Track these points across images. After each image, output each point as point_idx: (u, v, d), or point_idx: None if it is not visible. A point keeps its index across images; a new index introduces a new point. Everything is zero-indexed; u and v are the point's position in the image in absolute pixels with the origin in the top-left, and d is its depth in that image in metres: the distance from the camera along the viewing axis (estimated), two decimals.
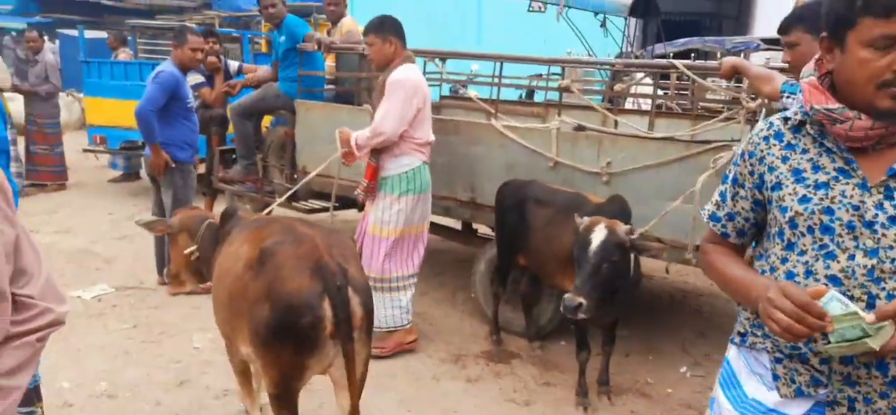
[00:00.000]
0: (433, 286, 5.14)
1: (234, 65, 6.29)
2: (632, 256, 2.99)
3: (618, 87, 4.22)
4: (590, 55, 8.62)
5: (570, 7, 7.72)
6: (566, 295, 2.77)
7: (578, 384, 3.45)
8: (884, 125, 1.30)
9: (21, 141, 7.79)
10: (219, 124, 5.87)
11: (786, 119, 1.48)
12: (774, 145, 1.47)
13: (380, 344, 3.81)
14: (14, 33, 17.83)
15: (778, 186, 1.44)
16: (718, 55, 9.51)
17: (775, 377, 1.46)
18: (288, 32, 5.21)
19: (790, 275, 1.42)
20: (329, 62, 5.72)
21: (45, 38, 8.22)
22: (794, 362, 1.42)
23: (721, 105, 5.14)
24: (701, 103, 5.51)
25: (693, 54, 9.26)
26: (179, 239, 3.08)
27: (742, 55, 9.42)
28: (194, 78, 5.62)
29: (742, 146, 1.57)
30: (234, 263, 2.49)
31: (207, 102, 5.78)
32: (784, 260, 1.44)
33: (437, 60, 4.80)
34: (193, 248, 2.99)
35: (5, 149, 2.44)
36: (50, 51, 8.12)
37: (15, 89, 7.96)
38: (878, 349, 1.20)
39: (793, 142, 1.45)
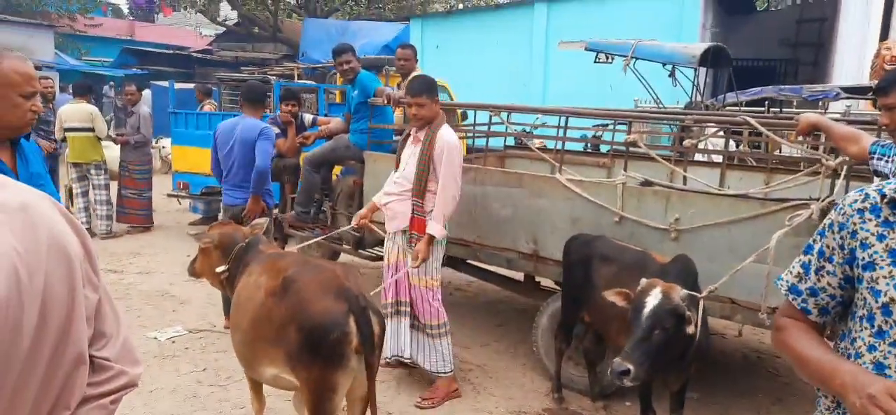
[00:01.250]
0: (494, 337, 5.11)
1: (308, 118, 6.58)
2: (696, 320, 2.88)
3: (687, 142, 4.13)
4: (657, 104, 8.50)
5: (637, 58, 7.67)
6: (615, 360, 2.70)
7: None
8: None
9: (113, 185, 8.38)
10: (291, 173, 6.13)
11: (883, 194, 1.38)
12: (870, 220, 1.38)
13: (430, 395, 4.02)
14: (113, 82, 19.29)
15: (871, 265, 1.36)
16: (794, 104, 9.19)
17: None
18: (360, 87, 5.42)
19: (879, 366, 1.33)
20: (398, 114, 5.90)
21: (142, 91, 8.87)
22: None
23: (798, 158, 4.95)
24: (775, 157, 5.32)
25: (767, 103, 8.97)
26: (213, 254, 3.30)
27: (820, 104, 9.07)
28: None
29: (831, 217, 1.48)
30: (254, 292, 2.80)
31: (282, 152, 6.05)
32: (872, 348, 1.35)
33: (502, 114, 4.85)
34: (224, 267, 3.19)
35: (40, 184, 2.35)
36: (145, 103, 8.75)
37: (110, 139, 8.61)
38: None
39: (891, 219, 1.35)
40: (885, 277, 1.32)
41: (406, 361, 4.13)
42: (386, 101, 5.17)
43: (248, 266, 3.12)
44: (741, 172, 5.24)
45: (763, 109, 8.57)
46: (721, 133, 6.21)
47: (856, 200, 1.42)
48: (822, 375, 1.37)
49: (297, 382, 2.63)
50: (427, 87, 4.01)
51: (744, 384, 4.43)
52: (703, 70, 9.32)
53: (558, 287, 4.38)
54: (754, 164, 5.58)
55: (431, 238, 3.94)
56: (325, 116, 7.86)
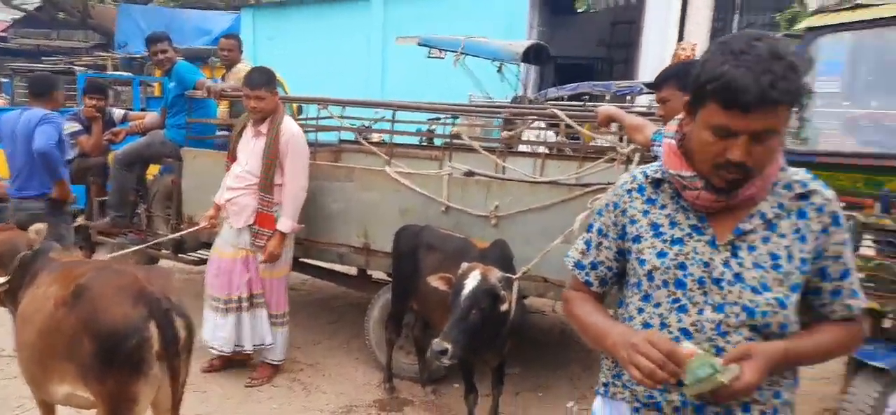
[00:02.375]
0: (327, 334, 5.05)
1: (118, 113, 6.00)
2: (511, 299, 3.05)
3: (504, 133, 4.36)
4: (487, 98, 8.89)
5: (466, 54, 7.96)
6: (434, 341, 2.80)
7: None
8: (724, 199, 1.39)
9: None
10: (97, 174, 5.55)
11: (647, 175, 1.54)
12: (637, 199, 1.53)
13: (258, 375, 4.20)
14: None
15: (638, 238, 1.51)
16: (607, 98, 10.07)
17: None
18: (177, 78, 5.07)
19: (646, 326, 1.48)
20: (223, 108, 5.59)
21: None
22: (651, 411, 1.47)
23: (605, 147, 5.42)
24: (589, 147, 5.79)
25: (586, 97, 9.75)
26: None
27: (628, 98, 10.03)
28: (71, 126, 5.33)
29: (607, 197, 1.62)
30: (43, 304, 2.54)
31: (85, 151, 5.47)
32: (641, 311, 1.50)
33: (329, 108, 4.79)
34: (3, 280, 2.85)
35: None
36: None
37: None
38: (727, 382, 1.28)
39: (653, 196, 1.51)
40: (648, 248, 1.48)
41: (247, 352, 4.13)
42: (206, 94, 4.88)
43: (36, 277, 2.77)
44: (560, 161, 5.63)
45: (582, 103, 9.31)
46: (543, 125, 6.64)
47: (626, 182, 1.58)
48: (598, 337, 1.51)
49: (93, 397, 2.40)
50: (267, 80, 3.97)
51: (561, 357, 4.78)
52: (528, 67, 9.89)
53: (390, 279, 4.42)
54: (571, 153, 6.03)
55: (282, 234, 3.97)
56: (142, 110, 7.25)
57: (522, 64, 9.41)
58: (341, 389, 4.12)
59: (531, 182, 4.06)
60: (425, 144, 6.88)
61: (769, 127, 1.27)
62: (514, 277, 3.10)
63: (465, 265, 3.07)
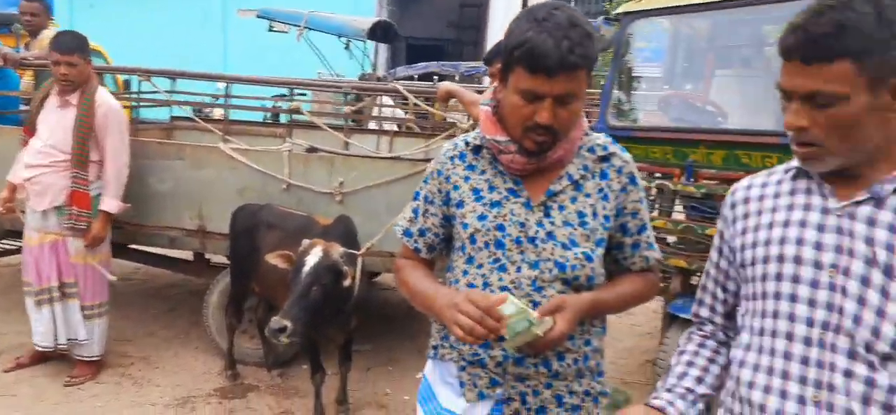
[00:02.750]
0: (162, 325, 4.70)
1: None
2: (354, 275, 3.02)
3: (346, 108, 4.28)
4: (333, 75, 8.72)
5: (309, 29, 7.72)
6: (272, 319, 2.71)
7: (314, 408, 3.40)
8: (535, 161, 1.45)
9: None
10: None
11: (467, 142, 1.58)
12: (458, 165, 1.56)
13: (79, 373, 3.80)
14: None
15: (461, 203, 1.54)
16: (456, 78, 10.32)
17: (461, 384, 1.55)
18: None
19: (471, 287, 1.51)
20: (26, 79, 4.95)
21: None
22: (476, 368, 1.53)
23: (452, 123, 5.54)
24: (439, 124, 5.88)
25: (435, 77, 9.90)
26: None
27: (476, 78, 10.35)
28: None
29: (432, 165, 1.63)
30: None
31: None
32: (465, 273, 1.54)
33: (153, 81, 4.41)
34: None
35: None
36: None
37: None
38: (542, 334, 1.34)
39: (474, 163, 1.55)
40: (470, 212, 1.52)
41: (63, 348, 3.74)
42: (2, 63, 4.28)
43: None
44: (408, 138, 5.66)
45: (431, 82, 9.45)
46: (390, 102, 6.63)
47: (448, 150, 1.61)
48: (426, 302, 1.54)
49: None
50: (79, 45, 3.58)
51: (410, 329, 4.84)
52: (380, 45, 9.83)
53: (229, 262, 4.20)
54: (418, 130, 6.08)
55: (107, 215, 3.64)
56: None
57: (371, 42, 9.33)
58: (178, 380, 3.86)
59: (375, 158, 4.04)
60: (269, 121, 6.61)
61: (570, 90, 1.36)
62: (357, 252, 3.07)
63: (305, 242, 2.99)
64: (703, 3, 3.48)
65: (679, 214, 3.82)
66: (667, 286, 3.60)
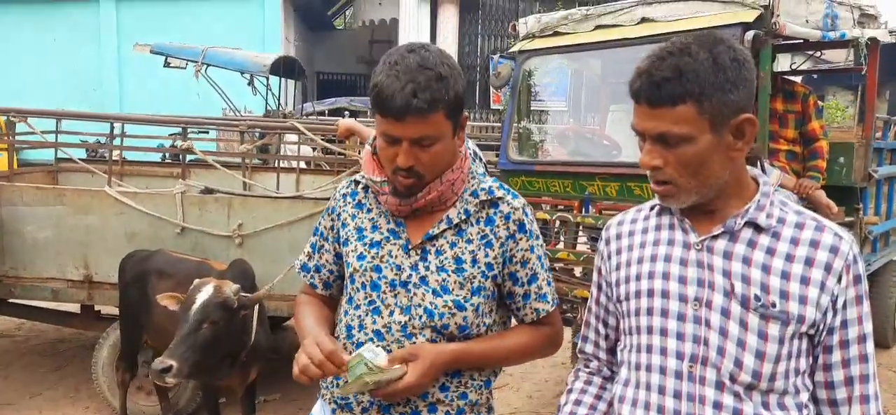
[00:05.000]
0: (48, 385, 4.33)
1: None
2: (252, 318, 2.90)
3: (242, 147, 4.16)
4: (236, 113, 8.49)
5: (208, 65, 7.50)
6: (156, 359, 2.56)
7: None
8: (407, 203, 1.43)
9: None
10: None
11: (357, 181, 1.56)
12: (349, 203, 1.54)
13: None
14: None
15: (346, 241, 1.51)
16: (368, 114, 10.31)
17: None
18: None
19: (349, 328, 1.48)
20: None
21: None
22: (345, 412, 1.48)
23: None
24: (349, 161, 5.79)
25: (346, 112, 9.84)
26: None
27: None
28: None
29: (329, 203, 1.61)
30: None
31: None
32: (346, 313, 1.50)
33: (30, 122, 4.13)
34: None
35: None
36: None
37: None
38: (372, 383, 1.32)
39: (362, 201, 1.53)
40: (352, 251, 1.49)
41: None
42: None
43: None
44: (316, 175, 5.55)
45: (342, 117, 9.38)
46: (296, 139, 6.50)
47: (342, 187, 1.59)
48: (301, 340, 1.48)
49: None
50: None
51: None
52: (288, 81, 9.67)
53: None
54: (328, 167, 5.98)
55: None
56: None
57: (278, 78, 9.17)
58: None
59: (274, 197, 3.94)
60: (167, 161, 6.31)
61: (425, 134, 1.34)
62: (251, 296, 2.95)
63: (197, 281, 2.85)
64: (588, 44, 3.65)
65: (583, 245, 3.93)
66: (574, 317, 3.67)
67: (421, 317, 1.42)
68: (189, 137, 5.95)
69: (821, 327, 1.15)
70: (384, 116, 1.33)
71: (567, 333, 3.24)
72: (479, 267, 1.44)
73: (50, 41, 12.56)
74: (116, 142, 4.59)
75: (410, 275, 1.43)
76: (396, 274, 1.44)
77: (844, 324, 1.15)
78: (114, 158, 4.75)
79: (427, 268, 1.44)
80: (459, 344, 1.43)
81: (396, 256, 1.45)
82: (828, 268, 1.14)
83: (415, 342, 1.41)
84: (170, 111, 7.38)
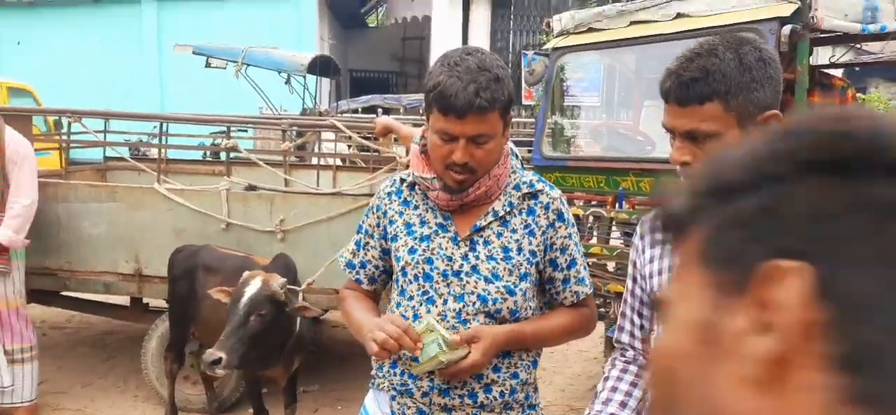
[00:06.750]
0: (99, 374, 4.53)
1: None
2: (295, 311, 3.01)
3: (285, 145, 4.28)
4: (274, 111, 8.68)
5: (247, 65, 7.68)
6: (207, 351, 2.67)
7: None
8: (458, 198, 1.52)
9: None
10: None
11: (402, 179, 1.65)
12: (394, 200, 1.63)
13: None
14: None
15: (395, 237, 1.59)
16: (401, 111, 10.41)
17: (392, 413, 1.59)
18: None
19: (404, 319, 1.55)
20: None
21: None
22: (404, 398, 1.57)
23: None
24: (382, 157, 5.90)
25: (379, 110, 9.96)
26: None
27: (420, 111, 10.45)
28: None
29: (372, 200, 1.70)
30: None
31: None
32: (398, 305, 1.59)
33: (83, 121, 4.31)
34: None
35: None
36: None
37: None
38: (446, 362, 1.40)
39: (408, 198, 1.62)
40: (403, 246, 1.58)
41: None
42: None
43: None
44: (352, 172, 5.68)
45: (376, 114, 9.51)
46: (333, 137, 6.63)
47: (386, 186, 1.68)
48: (359, 330, 1.58)
49: None
50: None
51: (359, 367, 4.79)
52: (322, 79, 9.84)
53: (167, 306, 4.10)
54: (363, 165, 6.10)
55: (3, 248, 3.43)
56: None
57: (314, 76, 9.34)
58: None
59: (315, 193, 4.04)
60: (209, 159, 6.50)
61: (482, 131, 1.43)
62: (298, 288, 3.06)
63: (246, 274, 2.97)
64: (622, 40, 3.67)
65: (616, 240, 3.95)
66: (607, 312, 3.70)
67: (475, 303, 1.50)
68: (233, 135, 6.15)
69: None
70: (445, 114, 1.41)
71: (599, 327, 3.28)
72: (524, 255, 1.54)
73: (93, 42, 12.97)
74: (161, 140, 4.78)
75: (462, 264, 1.52)
76: (448, 264, 1.53)
77: None
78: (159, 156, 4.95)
79: (477, 257, 1.53)
80: (512, 326, 1.53)
81: (446, 248, 1.54)
82: None
83: (469, 327, 1.49)
84: (209, 110, 7.61)
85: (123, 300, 4.41)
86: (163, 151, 4.38)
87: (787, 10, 3.07)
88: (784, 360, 0.37)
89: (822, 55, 5.50)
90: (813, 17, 3.05)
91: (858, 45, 5.74)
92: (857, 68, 8.02)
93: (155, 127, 5.27)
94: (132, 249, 3.98)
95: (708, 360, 0.40)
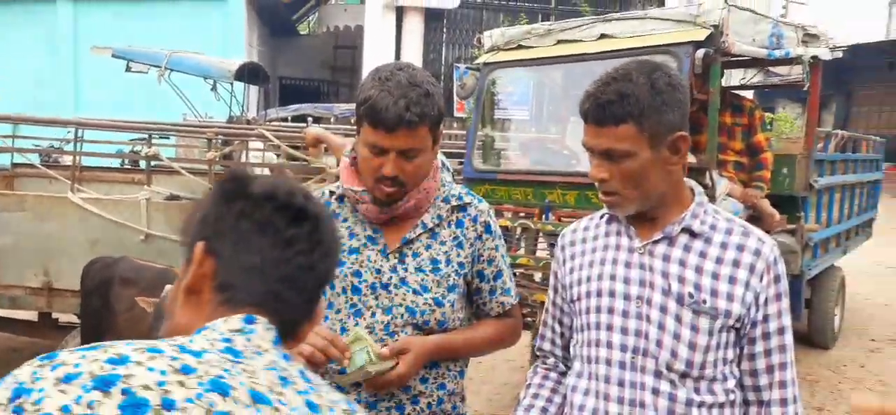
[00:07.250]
0: None
1: None
2: None
3: (210, 154, 4.16)
4: (198, 117, 8.41)
5: (172, 70, 7.42)
6: None
7: None
8: (387, 211, 1.53)
9: None
10: None
11: (331, 192, 1.63)
12: None
13: None
14: None
15: None
16: (332, 120, 10.30)
17: None
18: None
19: (343, 330, 1.54)
20: None
21: None
22: None
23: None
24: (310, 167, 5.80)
25: (310, 119, 9.82)
26: None
27: (352, 120, 10.38)
28: None
29: None
30: None
31: None
32: (327, 319, 1.56)
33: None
34: None
35: None
36: None
37: None
38: (373, 372, 1.41)
39: (337, 211, 1.60)
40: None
41: None
42: None
43: None
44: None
45: (306, 124, 9.37)
46: (261, 146, 6.49)
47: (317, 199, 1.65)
48: None
49: None
50: None
51: None
52: (250, 87, 9.61)
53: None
54: (292, 175, 5.98)
55: None
56: None
57: (241, 83, 9.13)
58: None
59: None
60: (127, 167, 6.23)
61: (412, 146, 1.45)
62: None
63: (169, 287, 2.86)
64: (549, 57, 3.79)
65: (542, 251, 4.05)
66: (534, 321, 3.78)
67: (403, 315, 1.51)
68: (153, 143, 5.92)
69: (745, 321, 1.29)
70: (375, 128, 1.41)
71: (526, 336, 3.34)
72: (452, 266, 1.56)
73: (3, 41, 12.20)
74: (76, 147, 4.54)
75: (391, 277, 1.52)
76: (376, 277, 1.53)
77: (766, 318, 1.30)
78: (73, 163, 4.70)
79: (406, 270, 1.54)
80: (440, 337, 1.54)
81: (375, 261, 1.54)
82: (751, 269, 1.28)
83: (396, 340, 1.49)
84: (127, 116, 7.30)
85: (32, 315, 4.15)
86: (77, 158, 4.16)
87: (701, 34, 3.25)
88: (193, 287, 0.81)
89: (733, 77, 5.85)
90: (724, 42, 3.25)
91: (767, 69, 6.15)
92: (766, 90, 8.58)
93: (69, 132, 5.01)
94: (42, 261, 3.78)
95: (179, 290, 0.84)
